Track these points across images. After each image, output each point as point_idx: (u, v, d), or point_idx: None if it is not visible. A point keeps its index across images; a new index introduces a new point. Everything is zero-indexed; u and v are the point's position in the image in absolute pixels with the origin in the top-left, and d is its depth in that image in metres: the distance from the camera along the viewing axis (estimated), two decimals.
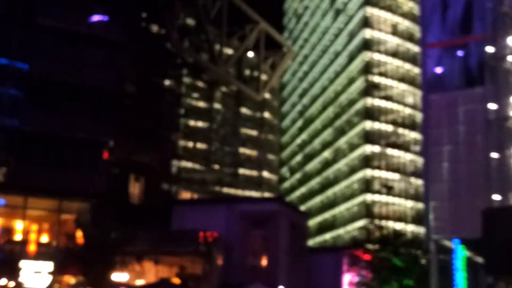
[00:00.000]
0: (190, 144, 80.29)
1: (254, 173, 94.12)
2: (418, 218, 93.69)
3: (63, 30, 45.01)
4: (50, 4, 45.12)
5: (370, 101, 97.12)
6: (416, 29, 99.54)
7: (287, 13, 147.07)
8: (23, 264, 38.34)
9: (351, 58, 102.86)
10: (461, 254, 58.76)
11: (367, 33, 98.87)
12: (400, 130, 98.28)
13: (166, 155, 66.39)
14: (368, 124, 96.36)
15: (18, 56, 43.47)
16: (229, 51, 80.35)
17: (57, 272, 39.24)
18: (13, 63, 43.47)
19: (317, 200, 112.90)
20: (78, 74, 44.84)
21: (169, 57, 69.25)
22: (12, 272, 37.58)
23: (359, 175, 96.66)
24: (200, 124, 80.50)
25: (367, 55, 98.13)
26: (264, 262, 47.33)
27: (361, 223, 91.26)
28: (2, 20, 43.26)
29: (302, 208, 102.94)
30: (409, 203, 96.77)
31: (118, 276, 40.77)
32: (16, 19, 43.56)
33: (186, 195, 73.52)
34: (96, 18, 48.17)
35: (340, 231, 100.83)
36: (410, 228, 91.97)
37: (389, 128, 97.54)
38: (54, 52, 44.81)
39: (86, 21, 47.22)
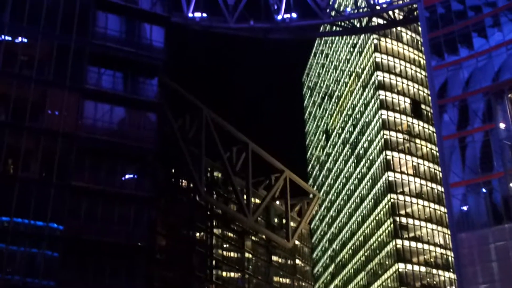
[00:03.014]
0: None
1: None
2: None
3: (96, 190, 46.92)
4: (84, 167, 47.47)
5: (400, 243, 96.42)
6: (437, 169, 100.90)
7: (310, 161, 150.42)
8: None
9: (377, 201, 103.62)
10: None
11: (390, 176, 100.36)
12: (434, 271, 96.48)
13: None
14: (401, 267, 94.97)
15: (53, 218, 45.00)
16: (256, 200, 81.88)
17: None
18: (49, 224, 44.92)
19: None
20: (110, 232, 46.10)
21: (198, 210, 70.77)
22: None
23: None
24: (232, 274, 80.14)
25: (392, 198, 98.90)
26: None
27: None
28: (39, 184, 45.37)
29: None
30: None
31: None
32: (52, 182, 45.67)
33: None
34: (127, 177, 50.31)
35: None
36: None
37: (422, 269, 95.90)
38: (88, 212, 46.46)
39: (117, 181, 49.25)
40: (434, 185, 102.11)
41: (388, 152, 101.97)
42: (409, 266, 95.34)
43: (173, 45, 57.89)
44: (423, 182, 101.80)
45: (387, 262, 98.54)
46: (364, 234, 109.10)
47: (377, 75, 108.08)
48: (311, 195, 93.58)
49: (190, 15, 71.21)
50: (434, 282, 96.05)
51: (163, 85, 55.17)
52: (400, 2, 74.86)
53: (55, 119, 47.94)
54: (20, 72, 47.19)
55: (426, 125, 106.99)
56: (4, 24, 47.34)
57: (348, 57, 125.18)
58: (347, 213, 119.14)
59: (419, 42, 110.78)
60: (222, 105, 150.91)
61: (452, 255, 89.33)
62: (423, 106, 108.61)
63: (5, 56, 46.76)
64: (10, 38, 48.19)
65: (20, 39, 48.64)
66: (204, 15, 71.82)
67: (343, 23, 77.23)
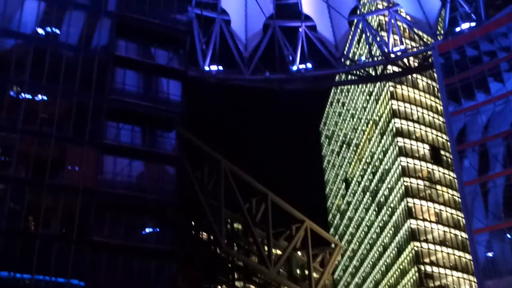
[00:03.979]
0: None
1: None
2: None
3: (116, 245, 46.78)
4: (104, 222, 47.46)
5: None
6: (460, 215, 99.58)
7: (331, 210, 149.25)
8: None
9: (400, 249, 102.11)
10: None
11: (413, 223, 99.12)
12: None
13: None
14: None
15: (74, 274, 44.77)
16: (277, 251, 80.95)
17: None
18: (70, 281, 44.69)
19: None
20: (131, 286, 45.76)
21: (219, 262, 70.06)
22: None
23: None
24: None
25: (415, 246, 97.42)
26: None
27: None
28: (59, 241, 45.37)
29: None
30: None
31: None
32: (73, 238, 45.67)
33: None
34: (147, 231, 50.20)
35: None
36: None
37: None
38: (108, 267, 46.21)
39: (137, 235, 49.15)
40: (457, 232, 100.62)
41: (409, 199, 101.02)
42: None
43: (190, 98, 58.49)
44: (446, 229, 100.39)
45: None
46: (388, 283, 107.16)
47: (394, 122, 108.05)
48: (333, 245, 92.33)
49: (206, 68, 72.24)
50: None
51: (181, 138, 55.50)
52: (415, 49, 75.43)
53: (74, 175, 48.26)
54: (40, 129, 47.78)
55: (446, 171, 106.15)
56: (25, 82, 48.26)
57: (364, 105, 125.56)
58: (371, 262, 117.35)
59: (436, 88, 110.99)
60: (240, 156, 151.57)
61: None
62: (442, 152, 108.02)
63: (25, 114, 47.49)
64: (30, 96, 49.02)
65: (40, 97, 49.47)
66: (220, 68, 72.81)
67: (358, 72, 77.70)
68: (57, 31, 51.39)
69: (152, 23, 53.71)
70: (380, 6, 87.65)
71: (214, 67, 72.62)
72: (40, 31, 50.67)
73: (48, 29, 51.18)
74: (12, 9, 49.94)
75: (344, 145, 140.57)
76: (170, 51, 55.35)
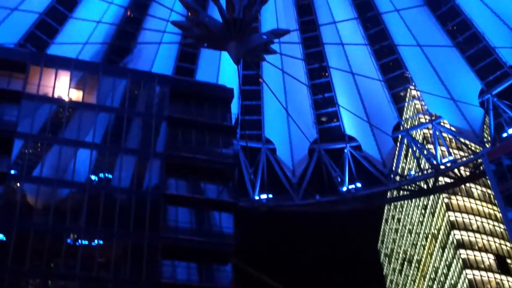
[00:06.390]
0: None
1: None
2: None
3: None
4: None
5: None
6: None
7: None
8: None
9: None
10: None
11: None
12: None
13: None
14: None
15: None
16: None
17: None
18: None
19: None
20: None
21: None
22: None
23: None
24: None
25: None
26: None
27: None
28: None
29: None
30: None
31: None
32: None
33: None
34: None
35: None
36: None
37: None
38: None
39: None
40: None
41: None
42: None
43: (243, 227, 58.48)
44: None
45: None
46: None
47: (454, 234, 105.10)
48: None
49: (257, 197, 72.76)
50: None
51: (237, 270, 54.93)
52: (464, 158, 74.71)
53: None
54: (98, 274, 48.06)
55: None
56: (81, 229, 49.24)
57: (421, 219, 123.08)
58: None
59: (491, 196, 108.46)
60: (298, 280, 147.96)
61: None
62: (509, 261, 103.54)
63: (82, 260, 48.04)
64: (86, 242, 49.80)
65: (96, 241, 50.21)
66: (270, 195, 73.24)
67: (409, 187, 76.89)
68: (110, 176, 53.03)
69: (199, 159, 54.93)
70: (422, 120, 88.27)
71: (264, 196, 73.11)
72: (93, 177, 52.37)
73: (101, 175, 52.90)
74: (67, 160, 52.05)
75: (406, 262, 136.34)
76: (220, 184, 56.10)
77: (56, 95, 54.27)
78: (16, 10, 64.59)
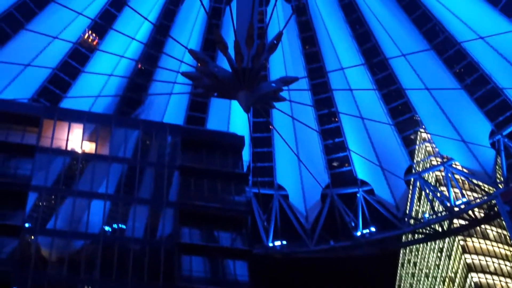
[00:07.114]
0: None
1: None
2: None
3: None
4: None
5: None
6: None
7: None
8: None
9: None
10: None
11: None
12: None
13: None
14: None
15: None
16: None
17: None
18: None
19: None
20: None
21: None
22: None
23: None
24: None
25: None
26: None
27: None
28: None
29: None
30: None
31: None
32: None
33: None
34: None
35: None
36: None
37: None
38: None
39: None
40: None
41: None
42: None
43: (257, 274, 58.07)
44: None
45: None
46: None
47: (472, 277, 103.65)
48: None
49: (270, 244, 72.42)
50: None
51: None
52: (478, 200, 74.28)
53: None
54: None
55: None
56: (95, 281, 49.15)
57: (437, 262, 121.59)
58: None
59: (507, 237, 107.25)
60: None
61: None
62: None
63: None
64: None
65: None
66: (284, 242, 72.89)
67: (424, 230, 76.32)
68: (123, 226, 53.17)
69: (212, 207, 55.02)
70: (434, 162, 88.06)
71: (278, 242, 72.78)
72: (107, 228, 52.51)
73: (115, 225, 53.06)
74: (80, 211, 52.34)
75: None
76: (233, 232, 56.02)
77: (69, 148, 54.97)
78: (29, 66, 65.94)
